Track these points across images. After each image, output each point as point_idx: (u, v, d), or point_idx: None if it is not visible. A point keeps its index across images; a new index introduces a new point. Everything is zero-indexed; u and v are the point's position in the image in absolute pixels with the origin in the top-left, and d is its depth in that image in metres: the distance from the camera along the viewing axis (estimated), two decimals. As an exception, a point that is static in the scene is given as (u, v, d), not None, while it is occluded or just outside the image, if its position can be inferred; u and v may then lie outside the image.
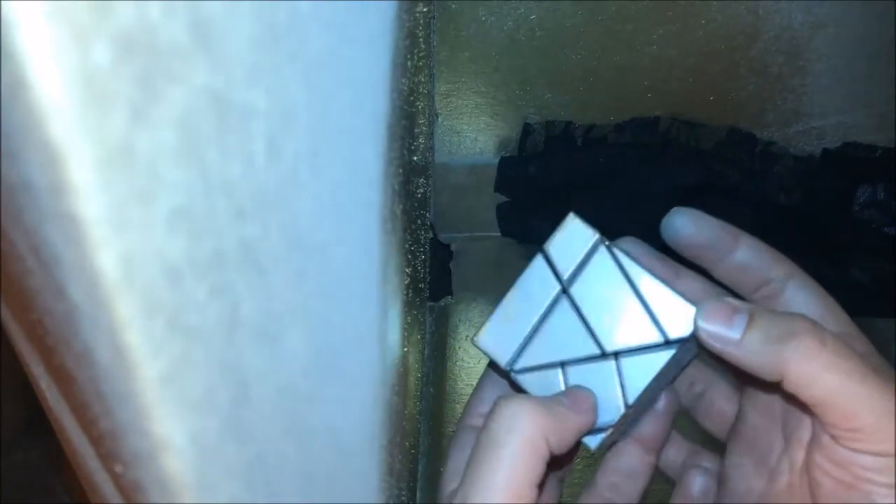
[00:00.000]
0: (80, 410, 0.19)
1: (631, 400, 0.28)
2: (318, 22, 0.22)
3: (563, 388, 0.28)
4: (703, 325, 0.27)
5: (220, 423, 0.19)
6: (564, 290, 0.29)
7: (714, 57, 0.59)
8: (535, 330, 0.29)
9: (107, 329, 0.16)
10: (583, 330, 0.28)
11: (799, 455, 0.29)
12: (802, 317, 0.27)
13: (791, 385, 0.26)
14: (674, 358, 0.28)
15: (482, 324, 0.30)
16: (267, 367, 0.21)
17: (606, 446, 0.30)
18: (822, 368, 0.25)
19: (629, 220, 0.64)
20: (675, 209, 0.30)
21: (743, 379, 0.31)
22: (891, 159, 0.61)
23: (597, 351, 0.28)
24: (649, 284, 0.28)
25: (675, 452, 0.35)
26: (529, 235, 0.67)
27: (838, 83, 0.60)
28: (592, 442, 0.29)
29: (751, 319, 0.27)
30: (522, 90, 0.61)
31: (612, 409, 0.28)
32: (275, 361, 0.22)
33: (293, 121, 0.21)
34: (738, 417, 0.32)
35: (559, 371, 0.28)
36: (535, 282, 0.29)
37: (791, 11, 0.57)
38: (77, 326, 0.16)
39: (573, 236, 0.29)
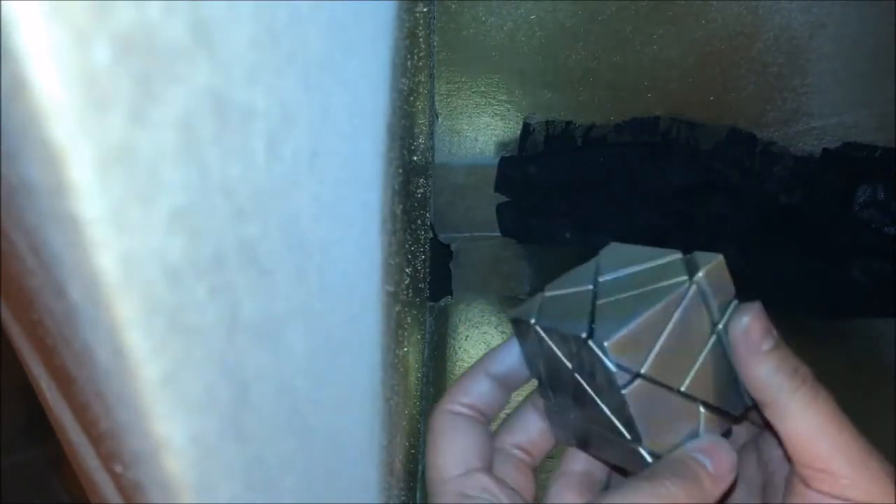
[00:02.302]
0: (80, 410, 0.19)
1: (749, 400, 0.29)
2: (318, 22, 0.22)
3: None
4: (746, 319, 0.27)
5: (220, 423, 0.19)
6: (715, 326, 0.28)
7: (714, 57, 0.59)
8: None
9: (107, 329, 0.16)
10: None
11: None
12: (807, 368, 0.27)
13: (774, 413, 0.27)
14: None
15: (645, 356, 0.27)
16: (267, 367, 0.21)
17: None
18: (804, 407, 0.26)
19: (629, 220, 0.64)
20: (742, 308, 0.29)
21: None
22: (891, 159, 0.61)
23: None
24: None
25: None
26: (529, 235, 0.66)
27: (838, 83, 0.60)
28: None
29: (778, 343, 0.27)
30: (522, 90, 0.61)
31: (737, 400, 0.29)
32: (275, 361, 0.22)
33: (293, 121, 0.21)
34: None
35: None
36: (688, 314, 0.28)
37: (791, 11, 0.57)
38: (77, 326, 0.16)
39: (720, 283, 0.28)
